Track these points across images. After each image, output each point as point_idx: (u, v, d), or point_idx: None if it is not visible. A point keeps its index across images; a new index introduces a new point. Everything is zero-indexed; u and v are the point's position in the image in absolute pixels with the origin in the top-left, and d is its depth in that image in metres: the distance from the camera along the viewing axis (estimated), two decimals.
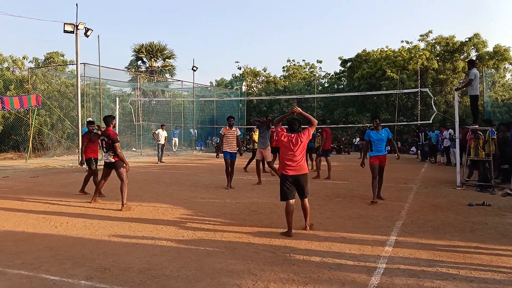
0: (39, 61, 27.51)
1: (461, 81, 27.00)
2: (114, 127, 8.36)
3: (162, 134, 18.83)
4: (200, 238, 5.81)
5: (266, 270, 4.46)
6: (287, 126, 6.37)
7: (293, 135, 6.08)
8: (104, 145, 8.09)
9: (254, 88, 37.07)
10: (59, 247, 5.33)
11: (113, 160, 8.04)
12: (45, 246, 5.37)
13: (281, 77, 36.76)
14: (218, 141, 12.52)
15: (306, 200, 6.19)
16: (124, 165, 8.05)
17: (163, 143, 18.85)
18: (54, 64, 26.97)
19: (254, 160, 14.37)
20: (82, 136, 8.83)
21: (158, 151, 19.12)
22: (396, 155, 9.69)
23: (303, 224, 6.31)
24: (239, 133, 10.93)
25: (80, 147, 8.47)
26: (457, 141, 11.34)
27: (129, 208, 7.72)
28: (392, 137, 8.96)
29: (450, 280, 4.20)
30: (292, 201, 6.00)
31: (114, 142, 7.92)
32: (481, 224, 6.69)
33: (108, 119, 8.25)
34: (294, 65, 36.99)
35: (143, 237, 5.83)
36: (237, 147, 10.77)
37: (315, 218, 7.01)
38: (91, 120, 10.53)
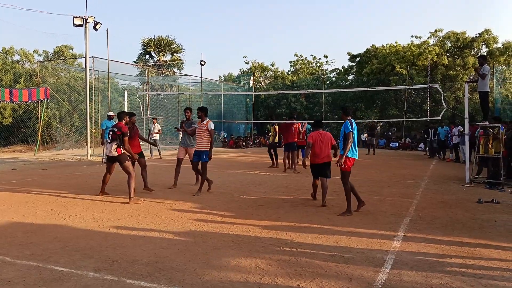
0: (49, 54, 27.67)
1: (471, 76, 26.69)
2: (127, 124, 8.36)
3: (153, 128, 17.54)
4: (207, 231, 5.82)
5: (273, 265, 4.46)
6: (312, 122, 8.15)
7: (322, 132, 7.80)
8: (110, 135, 8.10)
9: (262, 83, 36.98)
10: (68, 239, 5.37)
11: (116, 154, 8.04)
12: (54, 237, 5.42)
13: (289, 72, 36.64)
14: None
15: (325, 180, 7.78)
16: (129, 158, 8.14)
17: (155, 138, 17.39)
18: (63, 58, 27.11)
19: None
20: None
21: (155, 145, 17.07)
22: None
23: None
24: (211, 127, 8.83)
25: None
26: (467, 137, 11.22)
27: (136, 201, 7.76)
28: (346, 132, 7.13)
29: (459, 277, 4.17)
30: (317, 180, 8.00)
31: (124, 136, 7.96)
32: (490, 221, 6.64)
33: (122, 115, 8.37)
34: (302, 60, 36.85)
35: (150, 230, 5.86)
36: (207, 146, 8.80)
37: (323, 214, 7.01)
38: (132, 112, 9.80)
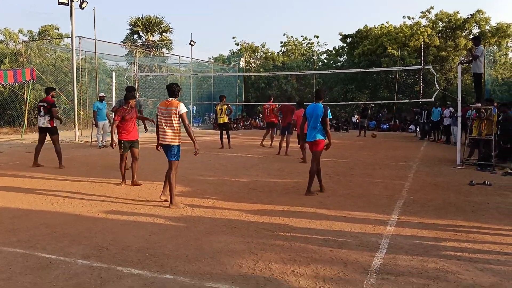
0: (34, 34, 26.93)
1: (462, 58, 26.66)
2: (53, 97, 9.80)
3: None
4: (199, 216, 5.72)
5: (267, 250, 4.38)
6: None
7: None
8: (42, 109, 9.42)
9: (253, 64, 36.57)
10: (56, 224, 5.23)
11: (49, 126, 9.45)
12: (41, 223, 5.27)
13: (280, 53, 36.25)
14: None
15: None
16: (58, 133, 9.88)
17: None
18: (49, 38, 26.42)
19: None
20: (114, 113, 8.33)
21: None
22: None
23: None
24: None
25: (110, 127, 7.98)
26: (459, 119, 11.19)
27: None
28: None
29: (454, 261, 4.14)
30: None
31: (53, 106, 9.42)
32: (482, 203, 6.63)
33: (48, 90, 9.90)
34: (293, 41, 36.42)
35: (141, 215, 5.73)
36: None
37: (315, 197, 6.94)
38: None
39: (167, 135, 6.15)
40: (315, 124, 7.04)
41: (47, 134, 9.79)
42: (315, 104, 7.15)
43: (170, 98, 6.21)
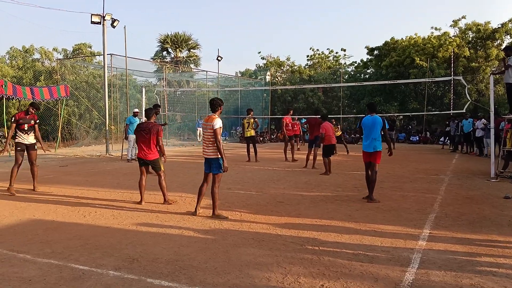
0: (68, 52, 28.02)
1: (494, 68, 25.94)
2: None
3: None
4: (227, 229, 5.74)
5: (296, 264, 4.35)
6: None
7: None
8: (27, 126, 8.64)
9: (279, 78, 36.72)
10: (88, 236, 5.36)
11: (35, 141, 8.87)
12: (74, 235, 5.41)
13: (306, 67, 36.26)
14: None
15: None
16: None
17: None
18: (82, 55, 27.40)
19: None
20: (159, 130, 7.77)
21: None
22: None
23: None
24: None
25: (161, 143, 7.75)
26: (492, 131, 10.87)
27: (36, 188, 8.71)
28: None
29: (490, 277, 4.00)
30: None
31: (36, 123, 8.87)
32: None
33: (35, 105, 9.12)
34: (319, 54, 36.39)
35: (170, 227, 5.81)
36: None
37: (344, 211, 6.86)
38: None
39: (207, 149, 6.34)
40: (375, 135, 7.60)
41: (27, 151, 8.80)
42: (372, 117, 7.70)
43: (211, 113, 6.42)
